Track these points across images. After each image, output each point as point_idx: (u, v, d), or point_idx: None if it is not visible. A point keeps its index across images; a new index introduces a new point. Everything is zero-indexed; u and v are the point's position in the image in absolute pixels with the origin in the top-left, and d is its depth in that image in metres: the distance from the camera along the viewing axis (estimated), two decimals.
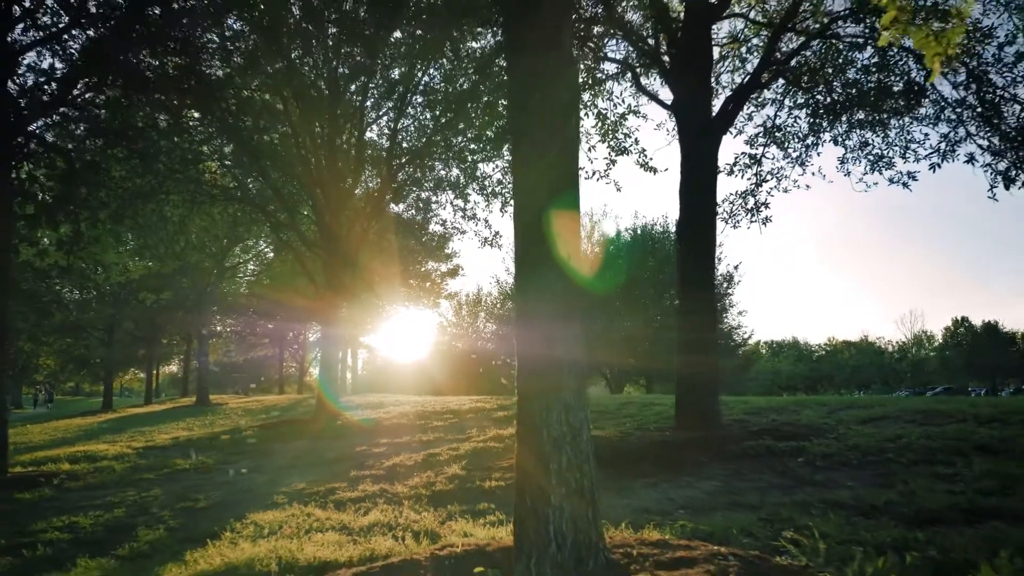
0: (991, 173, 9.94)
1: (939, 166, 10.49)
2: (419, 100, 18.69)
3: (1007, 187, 9.62)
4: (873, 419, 9.51)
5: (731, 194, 13.56)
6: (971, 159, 10.03)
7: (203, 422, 23.87)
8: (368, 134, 20.07)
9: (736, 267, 45.46)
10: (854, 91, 11.24)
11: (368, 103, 18.86)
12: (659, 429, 9.88)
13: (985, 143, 9.97)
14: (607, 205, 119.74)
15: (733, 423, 9.77)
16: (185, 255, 25.06)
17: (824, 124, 11.79)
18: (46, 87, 10.73)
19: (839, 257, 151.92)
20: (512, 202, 4.71)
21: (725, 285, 44.91)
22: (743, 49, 11.69)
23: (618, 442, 8.91)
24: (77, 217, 14.21)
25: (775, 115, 11.72)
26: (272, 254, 33.07)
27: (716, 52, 11.40)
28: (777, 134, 11.89)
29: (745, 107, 11.56)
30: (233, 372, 66.15)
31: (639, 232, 43.95)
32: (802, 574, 3.78)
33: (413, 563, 4.29)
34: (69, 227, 14.55)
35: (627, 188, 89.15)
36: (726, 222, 12.37)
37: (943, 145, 10.48)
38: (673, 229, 34.42)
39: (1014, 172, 9.64)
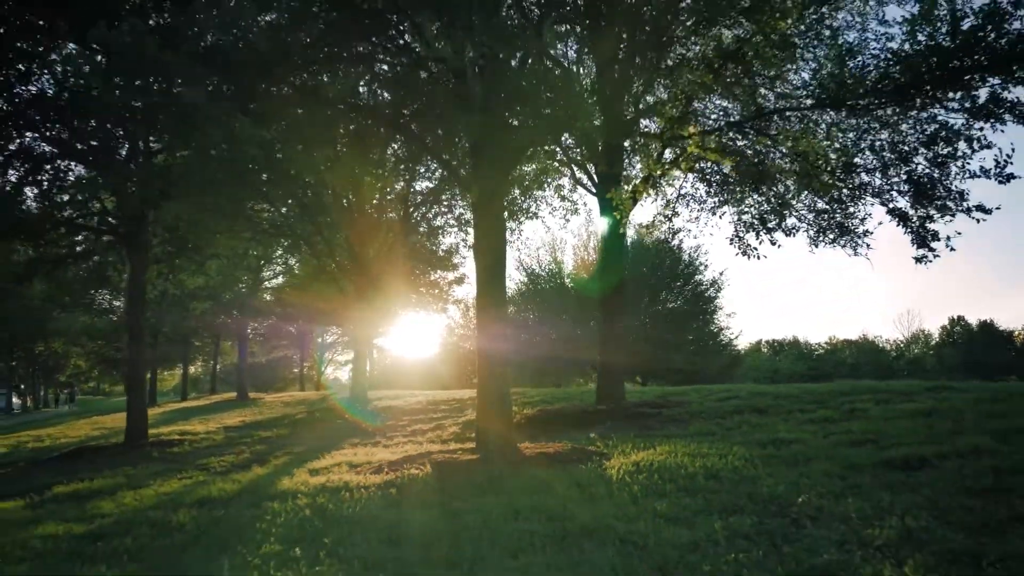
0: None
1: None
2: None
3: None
4: (728, 398, 14.46)
5: (655, 241, 18.41)
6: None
7: (253, 412, 28.97)
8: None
9: (721, 273, 50.37)
10: (740, 168, 16.24)
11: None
12: (587, 405, 14.92)
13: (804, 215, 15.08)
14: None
15: (636, 400, 14.79)
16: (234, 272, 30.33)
17: (718, 190, 16.78)
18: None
19: (840, 256, 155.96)
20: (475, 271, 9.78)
21: (712, 290, 49.80)
22: (649, 147, 16.65)
23: (557, 412, 13.99)
24: (173, 255, 19.58)
25: (680, 187, 16.70)
26: (297, 266, 38.09)
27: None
28: (683, 200, 16.91)
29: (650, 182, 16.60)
30: (255, 371, 71.57)
31: (630, 241, 48.78)
32: (596, 452, 8.84)
33: (427, 454, 9.38)
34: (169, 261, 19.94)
35: None
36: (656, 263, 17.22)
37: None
38: (661, 238, 39.73)
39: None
